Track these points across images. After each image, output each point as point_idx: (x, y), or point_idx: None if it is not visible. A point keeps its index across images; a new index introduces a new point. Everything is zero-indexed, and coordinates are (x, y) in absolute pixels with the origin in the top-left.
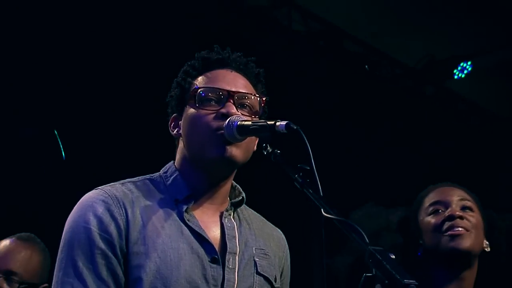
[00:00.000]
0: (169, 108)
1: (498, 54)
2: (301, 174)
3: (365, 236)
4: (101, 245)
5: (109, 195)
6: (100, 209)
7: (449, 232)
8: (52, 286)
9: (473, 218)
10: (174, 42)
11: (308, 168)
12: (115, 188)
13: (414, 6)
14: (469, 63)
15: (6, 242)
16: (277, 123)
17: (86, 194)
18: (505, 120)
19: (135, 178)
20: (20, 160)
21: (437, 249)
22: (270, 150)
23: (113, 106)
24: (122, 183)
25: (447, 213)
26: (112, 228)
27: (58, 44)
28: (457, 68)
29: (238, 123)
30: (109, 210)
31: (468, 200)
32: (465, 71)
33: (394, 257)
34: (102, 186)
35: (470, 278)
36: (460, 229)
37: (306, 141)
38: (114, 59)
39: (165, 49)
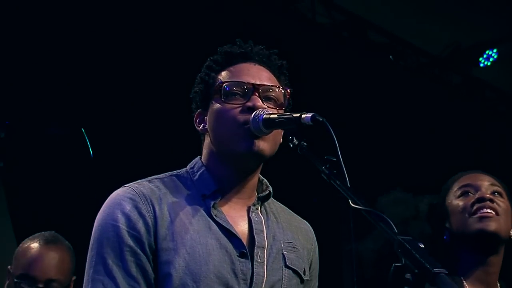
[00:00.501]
0: (194, 104)
1: None
2: (328, 165)
3: (394, 226)
4: (130, 242)
5: (136, 193)
6: (128, 207)
7: (478, 214)
8: (84, 284)
9: (503, 203)
10: (197, 37)
11: (335, 159)
12: (142, 185)
13: None
14: (494, 50)
15: (34, 246)
16: (303, 116)
17: (114, 192)
18: None
19: (162, 175)
20: (47, 158)
21: (464, 232)
22: (297, 143)
23: (138, 103)
24: (149, 180)
25: (477, 196)
26: (140, 225)
27: (79, 41)
28: (482, 56)
29: (264, 116)
30: (136, 208)
31: (498, 186)
32: (491, 59)
33: (423, 246)
34: (129, 184)
35: (496, 264)
36: (489, 211)
37: (333, 133)
38: (138, 56)
39: (188, 44)
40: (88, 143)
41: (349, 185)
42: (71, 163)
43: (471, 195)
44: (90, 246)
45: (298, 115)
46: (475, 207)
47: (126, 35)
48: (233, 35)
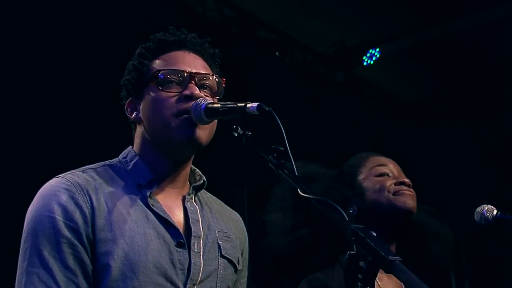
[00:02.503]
0: (124, 92)
1: (405, 40)
2: (275, 155)
3: (345, 215)
4: (67, 233)
5: (71, 183)
6: (64, 197)
7: (400, 192)
8: (17, 278)
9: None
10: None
11: (282, 149)
12: (77, 176)
13: None
14: (377, 49)
15: None
16: (248, 105)
17: (47, 183)
18: (410, 104)
19: (94, 165)
20: None
21: (380, 207)
22: (241, 132)
23: (59, 93)
24: (83, 171)
25: (400, 179)
26: (77, 216)
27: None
28: (366, 55)
29: (206, 105)
30: (73, 198)
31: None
32: (374, 58)
33: (375, 234)
34: (63, 174)
35: (394, 246)
36: (411, 190)
37: (279, 122)
38: (63, 46)
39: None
40: None
41: (297, 174)
42: None
43: (390, 176)
44: (24, 238)
45: (243, 104)
46: (397, 188)
47: (49, 22)
48: (123, 30)
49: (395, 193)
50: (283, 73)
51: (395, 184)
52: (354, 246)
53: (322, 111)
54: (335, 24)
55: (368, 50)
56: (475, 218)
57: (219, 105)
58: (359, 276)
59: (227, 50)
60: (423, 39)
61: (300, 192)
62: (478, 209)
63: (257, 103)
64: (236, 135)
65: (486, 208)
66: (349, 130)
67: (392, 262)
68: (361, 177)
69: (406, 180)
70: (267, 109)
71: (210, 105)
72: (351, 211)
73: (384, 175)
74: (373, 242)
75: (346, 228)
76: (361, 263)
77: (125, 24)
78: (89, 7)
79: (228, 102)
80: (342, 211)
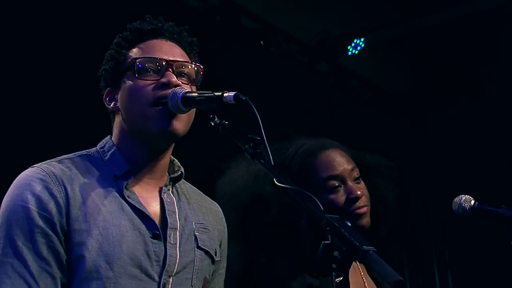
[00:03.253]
0: (103, 82)
1: (389, 31)
2: (251, 144)
3: (320, 205)
4: (41, 223)
5: (46, 173)
6: (38, 187)
7: (355, 212)
8: None
9: (364, 189)
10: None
11: (259, 138)
12: (52, 166)
13: None
14: (362, 39)
15: None
16: (225, 94)
17: (23, 173)
18: (394, 96)
19: (71, 155)
20: None
21: None
22: (218, 121)
23: (40, 82)
24: (59, 161)
25: (350, 196)
26: (52, 206)
27: None
28: (350, 45)
29: (183, 94)
30: (47, 188)
31: (355, 166)
32: (358, 48)
33: (350, 224)
34: (39, 164)
35: None
36: (363, 208)
37: (256, 111)
38: (41, 35)
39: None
40: None
41: (273, 163)
42: None
43: (340, 188)
44: None
45: (220, 93)
46: (350, 207)
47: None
48: (106, 19)
49: (351, 213)
50: (267, 63)
51: (348, 200)
52: (329, 236)
53: (306, 101)
54: (319, 15)
55: (353, 40)
56: (453, 208)
57: (196, 94)
58: (333, 266)
59: (211, 38)
60: (408, 30)
61: (275, 182)
62: (456, 199)
63: (234, 92)
64: (213, 124)
65: (464, 198)
66: (333, 120)
67: (366, 252)
68: (312, 182)
69: (358, 193)
70: (244, 98)
71: (187, 94)
72: (303, 221)
73: (335, 190)
74: (347, 232)
75: (321, 218)
76: (336, 253)
77: (107, 12)
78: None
79: (205, 91)
80: (317, 201)
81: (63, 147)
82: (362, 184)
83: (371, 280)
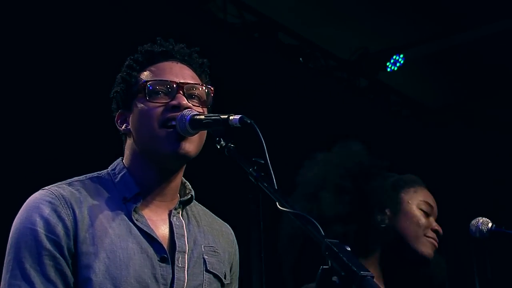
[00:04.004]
0: (114, 104)
1: (428, 46)
2: (255, 167)
3: (321, 229)
4: (48, 246)
5: (55, 196)
6: (47, 210)
7: (432, 240)
8: None
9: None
10: (113, 37)
11: (263, 161)
12: (62, 188)
13: None
14: (401, 56)
15: None
16: (231, 117)
17: (32, 196)
18: (434, 111)
19: (82, 177)
20: None
21: (403, 237)
22: (224, 144)
23: (55, 104)
24: (69, 183)
25: (436, 226)
26: (59, 229)
27: None
28: (389, 61)
29: (191, 117)
30: (55, 211)
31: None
32: (398, 64)
33: (349, 249)
34: (49, 187)
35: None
36: (436, 242)
37: (260, 135)
38: (50, 58)
39: (106, 44)
40: None
41: (276, 187)
42: None
43: (431, 217)
44: (7, 250)
45: (226, 116)
46: (431, 234)
47: (43, 30)
48: (145, 35)
49: (427, 235)
50: (306, 79)
51: (432, 229)
52: (329, 261)
53: (346, 117)
54: (357, 30)
55: (392, 56)
56: (470, 230)
57: (203, 116)
58: None
59: (249, 55)
60: (447, 45)
61: (278, 206)
62: (473, 221)
63: (240, 116)
64: (219, 147)
65: (481, 220)
66: (373, 136)
67: (363, 278)
68: (405, 196)
69: (440, 230)
70: (249, 121)
71: (195, 117)
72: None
73: (429, 216)
74: (346, 257)
75: (321, 242)
76: (334, 278)
77: (144, 30)
78: (102, 20)
79: (213, 114)
80: (318, 225)
81: (76, 170)
82: None
83: None
